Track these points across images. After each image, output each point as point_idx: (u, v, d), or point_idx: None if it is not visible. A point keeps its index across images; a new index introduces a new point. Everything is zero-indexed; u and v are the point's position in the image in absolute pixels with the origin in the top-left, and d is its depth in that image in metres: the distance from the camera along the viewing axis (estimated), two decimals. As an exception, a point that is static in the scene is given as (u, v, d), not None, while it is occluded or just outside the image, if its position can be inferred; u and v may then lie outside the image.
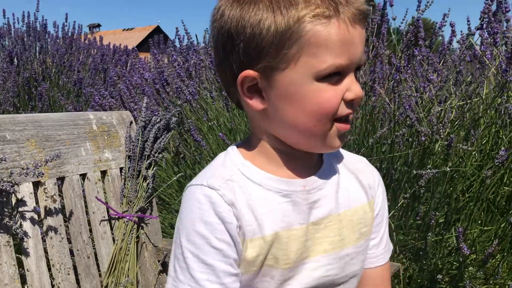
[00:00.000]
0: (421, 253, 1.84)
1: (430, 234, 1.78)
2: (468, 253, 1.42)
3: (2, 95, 2.46)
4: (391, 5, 2.10)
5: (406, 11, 2.46)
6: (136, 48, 3.68)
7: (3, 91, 2.48)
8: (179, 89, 1.96)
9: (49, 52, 3.52)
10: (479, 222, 1.97)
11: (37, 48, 3.53)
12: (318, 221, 0.77)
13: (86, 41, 4.40)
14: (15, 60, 3.11)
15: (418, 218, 1.64)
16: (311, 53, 0.67)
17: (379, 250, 0.88)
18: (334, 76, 0.69)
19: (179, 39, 3.11)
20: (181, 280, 0.73)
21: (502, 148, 1.45)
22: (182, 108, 2.03)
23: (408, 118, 1.76)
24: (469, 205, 1.79)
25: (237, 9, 0.70)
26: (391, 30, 2.43)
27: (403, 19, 2.43)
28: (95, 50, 4.43)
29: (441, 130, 1.57)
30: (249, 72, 0.71)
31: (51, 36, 3.87)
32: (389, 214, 1.78)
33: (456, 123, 2.11)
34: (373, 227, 0.86)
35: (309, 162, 0.80)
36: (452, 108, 2.13)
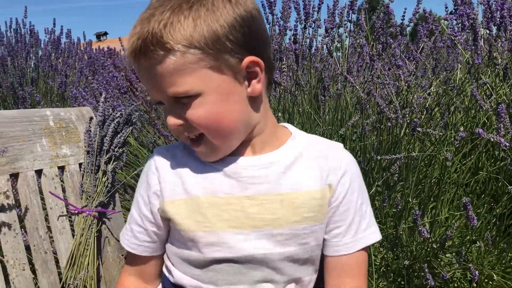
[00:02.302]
0: (396, 241, 1.83)
1: (403, 221, 1.77)
2: (428, 236, 1.40)
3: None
4: (363, -5, 2.09)
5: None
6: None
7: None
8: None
9: (38, 57, 3.55)
10: (460, 208, 1.95)
11: (26, 53, 3.57)
12: (254, 197, 0.81)
13: (77, 47, 4.43)
14: (4, 65, 3.15)
15: (384, 205, 1.63)
16: None
17: (346, 238, 0.86)
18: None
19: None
20: None
21: (462, 129, 1.43)
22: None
23: (377, 106, 1.75)
24: (443, 190, 1.77)
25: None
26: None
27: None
28: (86, 55, 4.46)
29: (406, 115, 1.55)
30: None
31: (41, 41, 3.91)
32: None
33: (435, 109, 2.09)
34: (337, 215, 0.85)
35: (264, 141, 0.85)
36: (428, 95, 2.11)
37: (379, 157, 1.49)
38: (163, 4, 0.72)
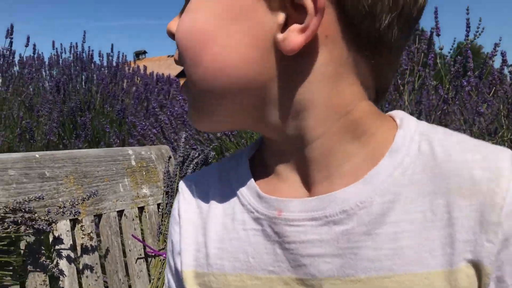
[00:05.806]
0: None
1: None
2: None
3: (47, 125, 2.52)
4: (438, 35, 2.03)
5: (454, 40, 2.39)
6: (176, 78, 3.73)
7: (49, 121, 2.54)
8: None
9: (94, 82, 3.61)
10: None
11: (83, 78, 3.63)
12: (312, 281, 0.44)
13: (130, 70, 4.51)
14: (62, 89, 3.20)
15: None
16: None
17: None
18: None
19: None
20: None
21: None
22: (221, 140, 2.02)
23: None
24: None
25: None
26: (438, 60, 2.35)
27: (451, 49, 2.35)
28: (139, 79, 4.52)
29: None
30: None
31: (96, 65, 3.98)
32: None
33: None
34: None
35: (330, 164, 0.45)
36: (503, 141, 2.03)
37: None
38: None
